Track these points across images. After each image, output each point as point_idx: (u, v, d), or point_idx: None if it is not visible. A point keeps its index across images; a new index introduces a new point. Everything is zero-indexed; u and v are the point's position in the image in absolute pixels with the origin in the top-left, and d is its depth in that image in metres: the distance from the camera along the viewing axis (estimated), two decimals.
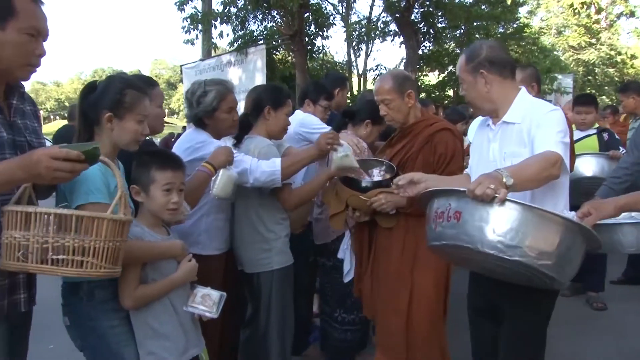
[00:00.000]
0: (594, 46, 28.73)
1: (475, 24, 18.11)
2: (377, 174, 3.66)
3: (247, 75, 14.61)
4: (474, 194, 2.25)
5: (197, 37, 15.28)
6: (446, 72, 19.51)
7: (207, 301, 2.87)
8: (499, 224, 2.27)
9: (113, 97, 2.71)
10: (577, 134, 5.85)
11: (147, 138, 3.36)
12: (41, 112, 2.93)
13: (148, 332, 2.79)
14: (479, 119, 3.46)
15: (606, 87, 29.82)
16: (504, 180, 2.30)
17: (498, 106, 2.85)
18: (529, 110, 2.75)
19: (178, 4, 14.51)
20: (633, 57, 29.00)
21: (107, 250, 2.26)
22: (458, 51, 18.79)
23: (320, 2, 17.31)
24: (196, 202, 3.35)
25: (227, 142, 3.85)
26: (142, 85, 2.88)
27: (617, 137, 6.17)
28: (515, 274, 2.44)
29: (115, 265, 2.34)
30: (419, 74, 18.76)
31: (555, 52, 27.73)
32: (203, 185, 3.29)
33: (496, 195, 2.22)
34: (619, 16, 31.08)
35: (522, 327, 2.83)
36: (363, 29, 18.99)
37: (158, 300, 2.78)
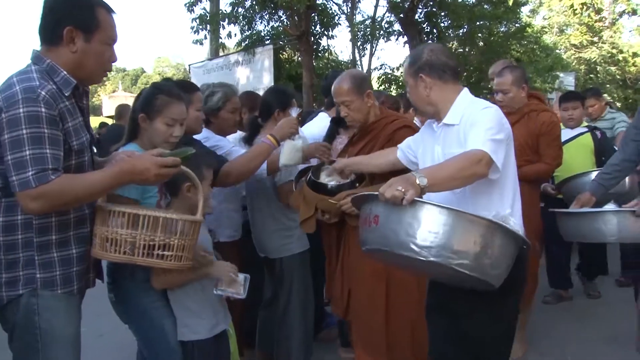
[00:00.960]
0: (595, 44, 28.77)
1: (477, 23, 18.15)
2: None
3: (254, 74, 14.89)
4: (384, 197, 2.26)
5: (205, 37, 15.55)
6: None
7: (234, 284, 3.13)
8: (410, 225, 2.25)
9: (146, 101, 3.04)
10: (569, 133, 5.86)
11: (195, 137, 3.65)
12: None
13: (183, 309, 3.10)
14: None
15: (608, 85, 29.88)
16: (417, 181, 2.29)
17: (439, 109, 2.81)
18: (465, 110, 2.72)
19: (187, 5, 14.79)
20: (635, 55, 28.98)
21: (194, 247, 2.72)
22: (461, 50, 18.97)
23: (326, 3, 17.56)
24: (252, 172, 3.53)
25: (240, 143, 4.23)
26: (174, 91, 3.12)
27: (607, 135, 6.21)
28: (450, 277, 2.45)
29: (191, 259, 2.74)
30: None
31: (557, 51, 27.85)
32: (262, 155, 3.49)
33: (404, 196, 2.21)
34: (621, 14, 31.10)
35: (482, 333, 2.73)
36: (368, 29, 19.18)
37: (191, 283, 3.08)
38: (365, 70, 18.95)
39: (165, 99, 3.03)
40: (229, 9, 15.56)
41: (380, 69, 21.38)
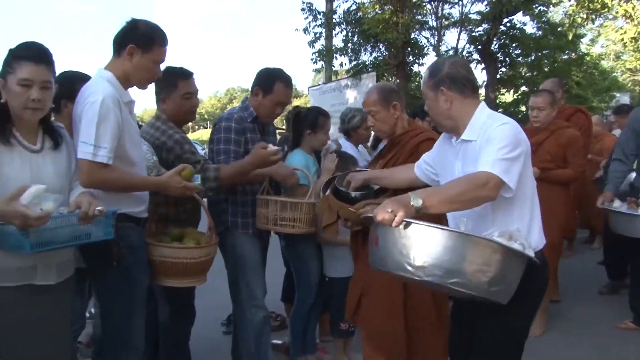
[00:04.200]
0: None
1: (543, 52, 18.19)
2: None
3: (360, 96, 15.42)
4: (377, 219, 2.01)
5: (322, 67, 16.63)
6: (519, 92, 19.60)
7: None
8: (404, 246, 1.98)
9: (312, 120, 3.91)
10: None
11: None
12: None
13: (332, 255, 3.92)
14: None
15: None
16: (412, 202, 2.02)
17: (458, 124, 2.42)
18: (483, 126, 2.33)
19: (309, 42, 15.99)
20: None
21: (309, 219, 3.44)
22: (529, 74, 18.95)
23: (417, 37, 18.16)
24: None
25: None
26: (327, 113, 4.02)
27: None
28: (459, 293, 2.10)
29: (311, 226, 3.46)
30: (497, 93, 19.16)
31: (614, 74, 27.28)
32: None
33: (394, 218, 1.97)
34: None
35: (491, 337, 2.40)
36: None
37: None
38: None
39: (324, 119, 3.95)
40: (341, 44, 16.66)
41: None
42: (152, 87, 3.15)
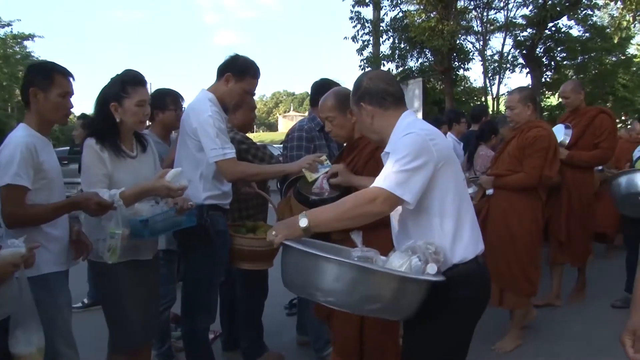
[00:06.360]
0: None
1: (590, 55, 18.42)
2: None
3: (407, 100, 15.65)
4: (268, 240, 2.04)
5: None
6: None
7: None
8: (286, 264, 2.01)
9: None
10: None
11: None
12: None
13: None
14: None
15: None
16: (299, 223, 2.01)
17: (383, 137, 2.32)
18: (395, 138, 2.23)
19: (358, 50, 16.80)
20: None
21: None
22: (575, 77, 19.11)
23: (462, 43, 18.52)
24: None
25: None
26: None
27: None
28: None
29: None
30: (542, 97, 19.34)
31: None
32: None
33: (274, 240, 2.00)
34: None
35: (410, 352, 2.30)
36: (496, 63, 19.73)
37: None
38: (494, 96, 19.50)
39: None
40: (388, 51, 17.47)
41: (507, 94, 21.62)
42: None
